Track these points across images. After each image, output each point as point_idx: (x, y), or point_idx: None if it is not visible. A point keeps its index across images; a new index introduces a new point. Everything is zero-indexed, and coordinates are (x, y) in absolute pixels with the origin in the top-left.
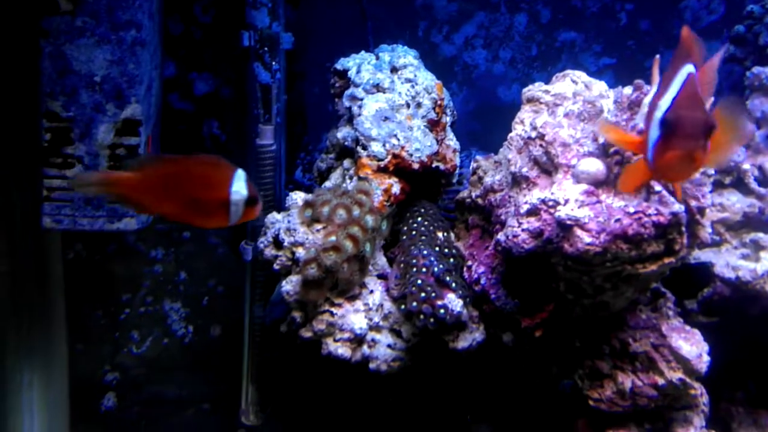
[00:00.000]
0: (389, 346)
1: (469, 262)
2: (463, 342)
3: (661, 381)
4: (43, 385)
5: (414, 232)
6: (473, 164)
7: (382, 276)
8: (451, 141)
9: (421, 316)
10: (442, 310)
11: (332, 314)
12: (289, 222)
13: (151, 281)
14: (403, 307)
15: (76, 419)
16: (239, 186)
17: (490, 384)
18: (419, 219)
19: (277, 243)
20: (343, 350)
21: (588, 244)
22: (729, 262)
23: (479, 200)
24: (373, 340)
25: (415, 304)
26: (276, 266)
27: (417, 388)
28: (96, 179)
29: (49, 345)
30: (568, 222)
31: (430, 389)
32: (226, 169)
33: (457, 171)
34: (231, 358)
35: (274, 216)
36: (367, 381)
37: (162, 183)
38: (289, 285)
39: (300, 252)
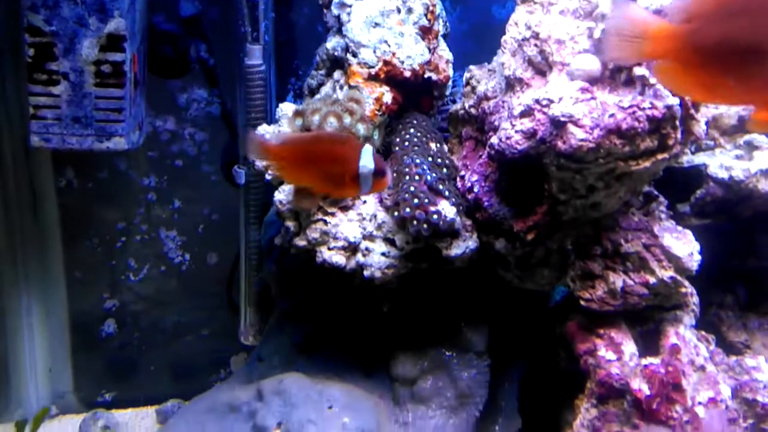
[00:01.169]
0: (383, 254)
1: (462, 172)
2: (457, 249)
3: (652, 280)
4: (42, 311)
5: (406, 143)
6: (466, 74)
7: None
8: (444, 51)
9: (414, 222)
10: (435, 216)
11: (326, 223)
12: (279, 132)
13: (145, 209)
14: (396, 214)
15: (77, 345)
16: (366, 161)
17: (483, 293)
18: (411, 130)
19: None
20: (337, 258)
21: (581, 140)
22: (722, 163)
23: (472, 110)
24: (367, 248)
25: (408, 210)
26: (268, 176)
27: (412, 297)
28: (255, 144)
29: (45, 271)
30: (562, 119)
31: (424, 298)
32: (354, 146)
33: (450, 84)
34: (228, 284)
35: (264, 128)
36: (363, 291)
37: (301, 158)
38: (282, 194)
39: None
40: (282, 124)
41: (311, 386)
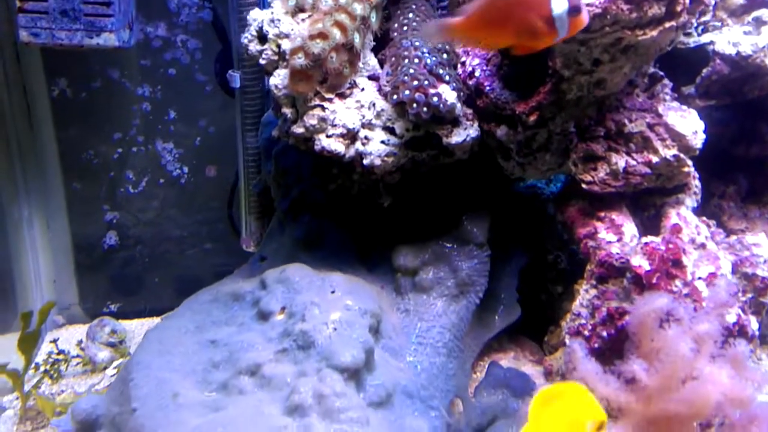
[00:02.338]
0: (383, 142)
1: (463, 59)
2: (457, 137)
3: (655, 159)
4: (43, 222)
5: (405, 28)
6: None
7: (373, 77)
8: None
9: (414, 105)
10: (435, 98)
11: (323, 109)
12: (272, 14)
13: (140, 120)
14: (395, 97)
15: (80, 257)
16: (557, 1)
17: (483, 186)
18: (410, 15)
19: (261, 36)
20: (336, 145)
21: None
22: (730, 39)
23: None
24: (366, 137)
25: (407, 92)
26: (262, 61)
27: (412, 192)
28: (437, 28)
29: (44, 182)
30: None
31: (425, 192)
32: None
33: None
34: (229, 203)
35: (256, 11)
36: (363, 186)
37: (489, 17)
38: (277, 78)
39: (286, 44)
40: (275, 5)
41: (313, 275)
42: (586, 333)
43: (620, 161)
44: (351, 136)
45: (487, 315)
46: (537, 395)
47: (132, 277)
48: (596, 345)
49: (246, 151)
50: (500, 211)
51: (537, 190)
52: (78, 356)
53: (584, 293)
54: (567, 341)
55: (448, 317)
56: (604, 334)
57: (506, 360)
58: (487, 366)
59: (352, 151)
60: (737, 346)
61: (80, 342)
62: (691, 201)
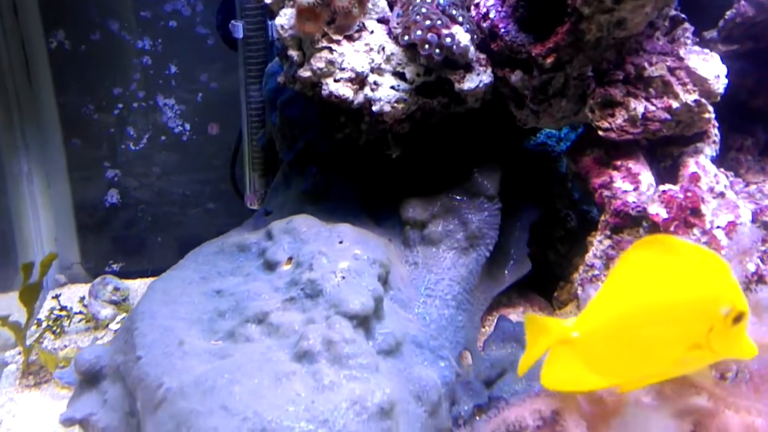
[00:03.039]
0: (392, 87)
1: (477, 0)
2: (470, 83)
3: (675, 104)
4: (43, 179)
5: None
6: None
7: (382, 20)
8: None
9: (426, 46)
10: (448, 39)
11: (331, 51)
12: None
13: (141, 74)
14: (406, 38)
15: (81, 214)
16: None
17: (496, 138)
18: None
19: None
20: (344, 90)
21: None
22: None
23: None
24: (375, 82)
25: (419, 32)
26: (267, 0)
27: (422, 143)
28: None
29: (43, 138)
30: None
31: (435, 144)
32: None
33: None
34: (231, 157)
35: None
36: (371, 136)
37: None
38: (283, 18)
39: None
40: None
41: (321, 225)
42: (600, 284)
43: (639, 107)
44: (360, 80)
45: (496, 269)
46: (639, 242)
47: (134, 237)
48: None
49: (249, 104)
50: (511, 167)
51: (548, 148)
52: (81, 313)
53: (598, 244)
54: (579, 292)
55: (457, 270)
56: None
57: (515, 314)
58: (496, 320)
59: (360, 97)
60: (758, 293)
61: (83, 299)
62: (710, 150)
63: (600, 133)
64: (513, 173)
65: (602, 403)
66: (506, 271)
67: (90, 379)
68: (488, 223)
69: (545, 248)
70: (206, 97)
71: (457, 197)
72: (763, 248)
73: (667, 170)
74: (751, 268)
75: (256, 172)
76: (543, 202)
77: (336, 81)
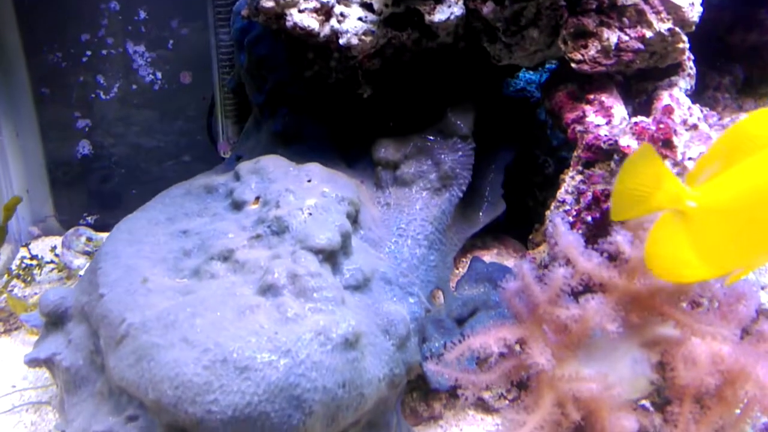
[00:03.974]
0: (360, 19)
1: None
2: (440, 14)
3: (649, 33)
4: (12, 129)
5: None
6: None
7: None
8: None
9: None
10: None
11: None
12: None
13: (109, 20)
14: None
15: (53, 165)
16: None
17: (469, 77)
18: None
19: None
20: (309, 21)
21: None
22: None
23: None
24: (341, 14)
25: None
26: None
27: (394, 82)
28: None
29: (10, 86)
30: None
31: (407, 83)
32: None
33: None
34: (208, 106)
35: None
36: (342, 75)
37: None
38: None
39: None
40: None
41: (289, 165)
42: (571, 219)
43: (612, 36)
44: (325, 11)
45: (471, 211)
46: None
47: (109, 189)
48: (581, 231)
49: (219, 49)
50: (488, 111)
51: (526, 94)
52: (52, 262)
53: (570, 180)
54: (549, 227)
55: (430, 210)
56: (589, 218)
57: (489, 256)
58: (469, 261)
59: (326, 29)
60: None
61: (54, 248)
62: (684, 83)
63: (573, 65)
64: (490, 117)
65: (568, 331)
66: (480, 213)
67: (55, 320)
68: (461, 164)
69: (524, 195)
70: (177, 44)
71: (431, 137)
72: None
73: (641, 106)
74: None
75: (229, 119)
76: (520, 146)
77: (300, 12)
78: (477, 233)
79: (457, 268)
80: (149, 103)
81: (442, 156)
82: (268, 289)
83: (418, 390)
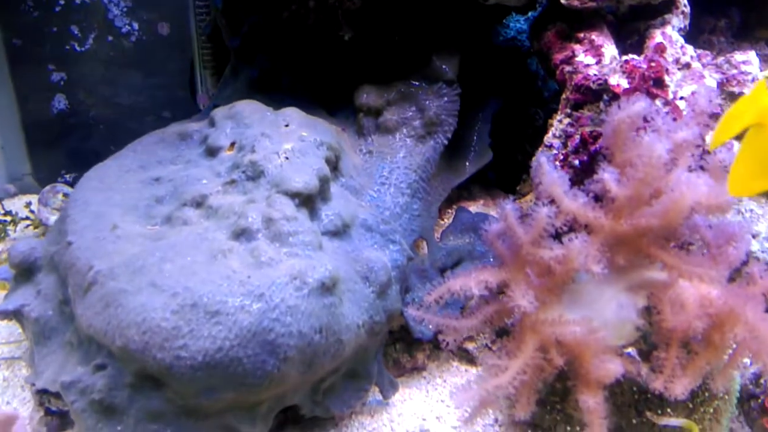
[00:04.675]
0: None
1: None
2: None
3: None
4: None
5: None
6: None
7: None
8: None
9: None
10: None
11: None
12: None
13: None
14: None
15: (28, 120)
16: None
17: (454, 19)
18: None
19: None
20: None
21: None
22: None
23: None
24: None
25: None
26: None
27: (376, 24)
28: None
29: None
30: None
31: (390, 24)
32: None
33: None
34: (185, 58)
35: None
36: (321, 16)
37: None
38: None
39: None
40: None
41: (266, 109)
42: (558, 163)
43: None
44: None
45: (457, 160)
46: None
47: (87, 146)
48: (568, 176)
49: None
50: (476, 58)
51: (517, 43)
52: (27, 218)
53: (557, 124)
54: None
55: (413, 158)
56: (576, 162)
57: (476, 207)
58: (455, 212)
59: None
60: (717, 154)
61: (29, 204)
62: (678, 21)
63: (562, 2)
64: (478, 65)
65: (551, 274)
66: (467, 163)
67: (24, 271)
68: (447, 110)
69: (514, 150)
70: None
71: (415, 83)
72: None
73: (633, 47)
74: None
75: (208, 70)
76: (510, 98)
77: None
78: (463, 183)
79: (443, 219)
80: (126, 55)
81: (427, 102)
82: (242, 234)
83: (402, 341)
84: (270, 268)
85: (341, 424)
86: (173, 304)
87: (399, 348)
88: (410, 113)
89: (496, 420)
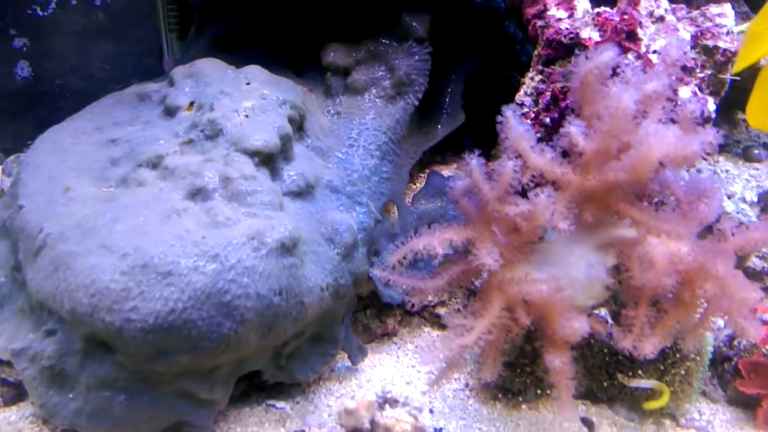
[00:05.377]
0: None
1: None
2: None
3: None
4: None
5: None
6: None
7: None
8: None
9: None
10: None
11: None
12: None
13: None
14: None
15: None
16: None
17: None
18: None
19: None
20: None
21: None
22: None
23: None
24: None
25: None
26: None
27: None
28: None
29: None
30: None
31: None
32: None
33: None
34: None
35: None
36: None
37: None
38: None
39: None
40: None
41: (227, 67)
42: (529, 122)
43: None
44: None
45: (428, 123)
46: None
47: (53, 116)
48: (539, 134)
49: None
50: (450, 18)
51: (494, 4)
52: None
53: (529, 81)
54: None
55: (383, 119)
56: (548, 120)
57: (448, 171)
58: (427, 175)
59: None
60: (687, 105)
61: None
62: None
63: None
64: (452, 26)
65: (518, 231)
66: (439, 125)
67: None
68: (417, 69)
69: (492, 115)
70: None
71: (384, 41)
72: (702, 75)
73: (607, 2)
74: (685, 95)
75: (174, 33)
76: (487, 61)
77: None
78: (436, 147)
79: (415, 183)
80: (92, 20)
81: (397, 61)
82: (198, 193)
83: (372, 307)
84: (226, 228)
85: (308, 390)
86: (123, 265)
87: (369, 314)
88: (380, 73)
89: (467, 385)
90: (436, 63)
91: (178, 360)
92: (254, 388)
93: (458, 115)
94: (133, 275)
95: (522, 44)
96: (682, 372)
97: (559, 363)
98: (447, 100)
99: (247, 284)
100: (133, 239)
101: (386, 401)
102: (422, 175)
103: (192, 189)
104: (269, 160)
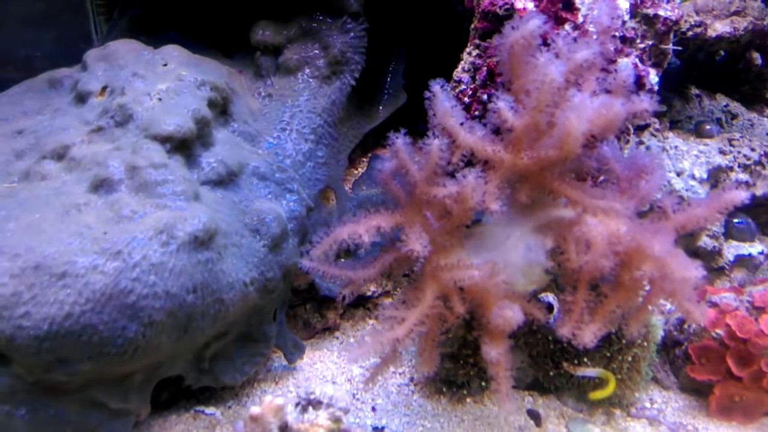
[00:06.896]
0: None
1: None
2: None
3: None
4: None
5: None
6: None
7: None
8: None
9: None
10: None
11: None
12: None
13: None
14: None
15: None
16: None
17: None
18: None
19: None
20: None
21: None
22: None
23: None
24: None
25: None
26: None
27: None
28: None
29: None
30: None
31: None
32: None
33: None
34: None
35: None
36: None
37: None
38: None
39: None
40: None
41: (144, 48)
42: (466, 100)
43: None
44: None
45: (369, 104)
46: None
47: None
48: (477, 112)
49: None
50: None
51: None
52: None
53: (467, 57)
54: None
55: (317, 101)
56: (485, 97)
57: None
58: (368, 160)
59: None
60: (619, 73)
61: None
62: None
63: None
64: (394, 3)
65: (450, 215)
66: (380, 107)
67: None
68: (353, 47)
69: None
70: None
71: (318, 17)
72: (643, 45)
73: None
74: (625, 67)
75: (102, 15)
76: (432, 37)
77: None
78: (381, 130)
79: (357, 169)
80: (20, 3)
81: (331, 38)
82: (101, 185)
83: (312, 301)
84: (131, 223)
85: (241, 393)
86: (14, 268)
87: (309, 308)
88: (313, 51)
89: (412, 379)
90: (376, 39)
91: (80, 368)
92: (182, 394)
93: (400, 95)
94: (24, 278)
95: (471, 21)
96: (629, 359)
97: (495, 354)
98: (388, 79)
99: (154, 283)
100: (26, 238)
101: (309, 403)
102: (365, 159)
103: (95, 181)
104: (183, 147)
